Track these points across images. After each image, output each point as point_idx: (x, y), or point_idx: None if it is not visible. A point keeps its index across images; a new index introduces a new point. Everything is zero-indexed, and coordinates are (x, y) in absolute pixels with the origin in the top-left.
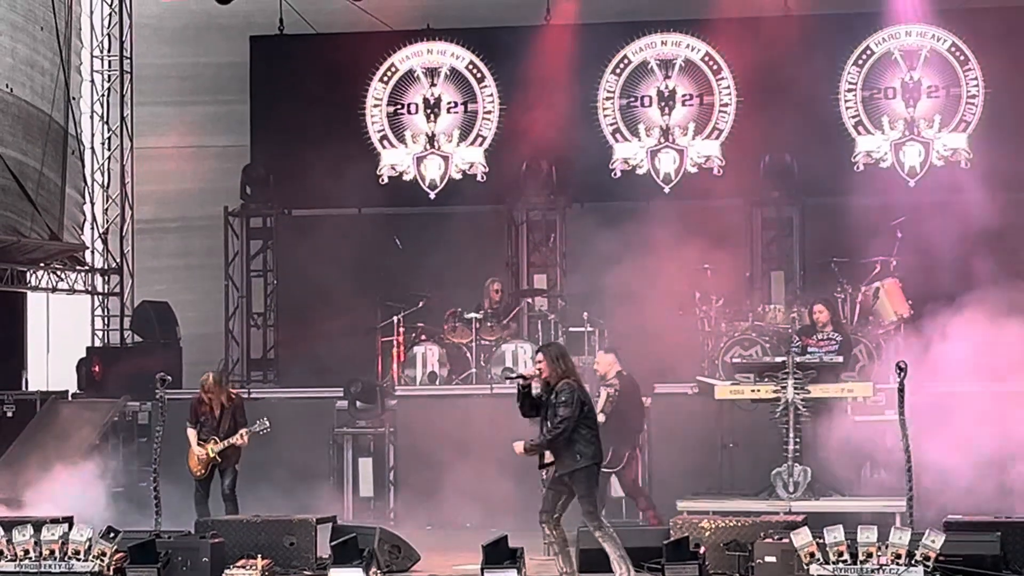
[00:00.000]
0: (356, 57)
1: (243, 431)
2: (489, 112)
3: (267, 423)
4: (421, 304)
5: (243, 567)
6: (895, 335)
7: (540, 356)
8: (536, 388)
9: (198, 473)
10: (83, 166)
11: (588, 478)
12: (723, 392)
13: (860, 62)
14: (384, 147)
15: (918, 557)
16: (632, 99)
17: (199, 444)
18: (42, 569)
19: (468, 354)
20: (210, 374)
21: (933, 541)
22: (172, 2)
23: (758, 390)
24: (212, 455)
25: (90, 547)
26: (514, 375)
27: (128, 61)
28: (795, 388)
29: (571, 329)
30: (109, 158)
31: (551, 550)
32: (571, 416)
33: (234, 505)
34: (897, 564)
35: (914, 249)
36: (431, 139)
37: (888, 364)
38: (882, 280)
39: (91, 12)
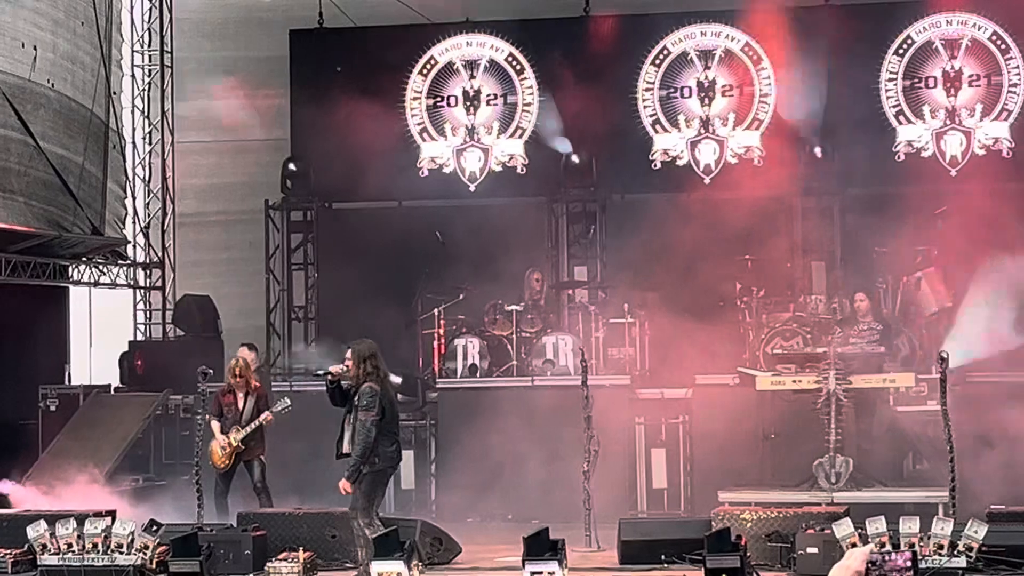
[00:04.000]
0: (395, 50)
1: (267, 411)
2: (528, 104)
3: (288, 402)
4: (462, 296)
5: (285, 560)
6: (937, 325)
7: (348, 354)
8: (346, 382)
9: (221, 465)
10: (124, 160)
11: (374, 480)
12: (764, 383)
13: (901, 51)
14: (424, 140)
15: (961, 548)
16: (672, 90)
17: (222, 434)
18: (85, 562)
19: (509, 346)
20: (241, 358)
21: (976, 531)
22: None
23: (800, 381)
24: (236, 443)
25: (132, 540)
26: (322, 372)
27: (168, 55)
28: (837, 378)
29: (612, 320)
30: (150, 152)
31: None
32: (373, 419)
33: (268, 497)
34: (939, 555)
35: (956, 238)
36: (471, 131)
37: (930, 354)
38: (924, 270)
39: (131, 7)
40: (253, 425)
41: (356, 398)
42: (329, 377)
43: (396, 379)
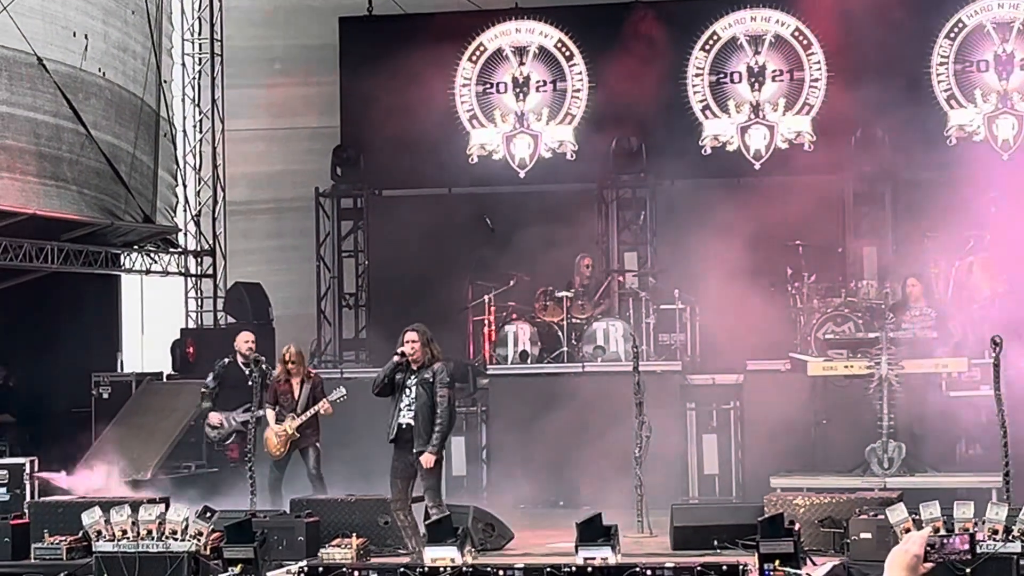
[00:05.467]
0: (445, 37)
1: (325, 399)
2: (578, 90)
3: (343, 391)
4: (512, 283)
5: (338, 546)
6: (989, 309)
7: (415, 336)
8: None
9: (277, 453)
10: (175, 149)
11: (442, 459)
12: (816, 368)
13: (952, 35)
14: (473, 126)
15: (1015, 533)
16: (722, 75)
17: (277, 422)
18: (140, 549)
19: (559, 332)
20: (291, 345)
21: None
22: None
23: (851, 366)
24: (291, 431)
25: (187, 527)
26: (399, 354)
27: (219, 44)
28: (889, 364)
29: (662, 306)
30: (201, 140)
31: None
32: (454, 397)
33: (322, 484)
34: (994, 540)
35: (1008, 223)
36: (520, 118)
37: (983, 339)
38: (976, 254)
39: None
40: (309, 413)
41: (431, 375)
42: (403, 360)
43: None
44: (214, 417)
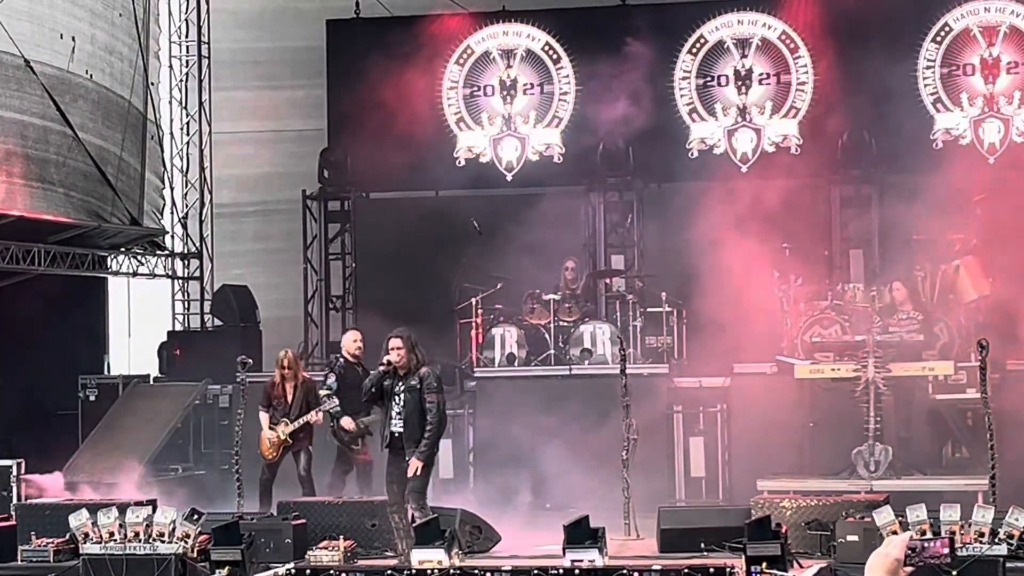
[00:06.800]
0: (432, 40)
1: (316, 409)
2: (565, 93)
3: (336, 401)
4: (499, 286)
5: (326, 548)
6: (975, 313)
7: (399, 343)
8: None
9: (269, 456)
10: (162, 151)
11: (431, 462)
12: (803, 371)
13: (938, 39)
14: (461, 129)
15: (1001, 535)
16: (709, 79)
17: (270, 427)
18: (127, 551)
19: (546, 335)
20: (288, 351)
21: (1017, 519)
22: None
23: (838, 369)
24: (284, 437)
25: (174, 529)
26: (385, 364)
27: (206, 46)
28: (876, 367)
29: (650, 309)
30: (188, 143)
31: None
32: (445, 400)
33: (311, 487)
34: (980, 542)
35: (994, 226)
36: (507, 121)
37: (969, 342)
38: (962, 258)
39: None
40: (301, 421)
41: (418, 381)
42: (389, 368)
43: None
44: (348, 422)
